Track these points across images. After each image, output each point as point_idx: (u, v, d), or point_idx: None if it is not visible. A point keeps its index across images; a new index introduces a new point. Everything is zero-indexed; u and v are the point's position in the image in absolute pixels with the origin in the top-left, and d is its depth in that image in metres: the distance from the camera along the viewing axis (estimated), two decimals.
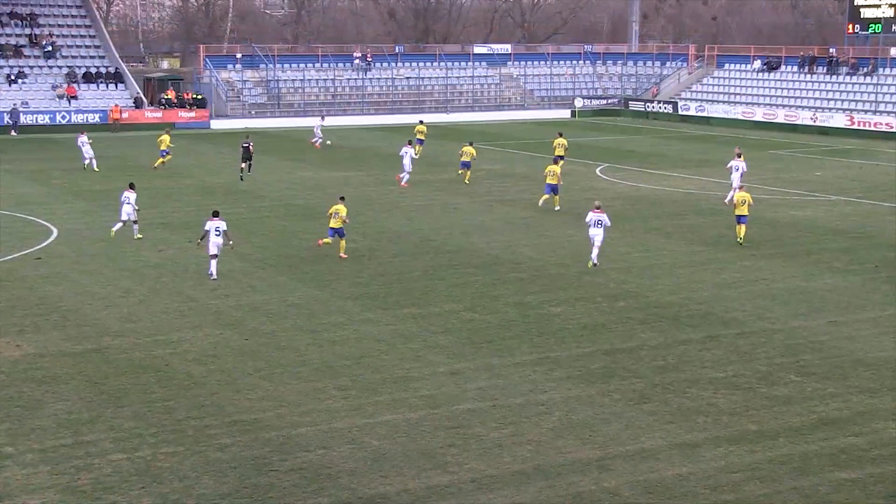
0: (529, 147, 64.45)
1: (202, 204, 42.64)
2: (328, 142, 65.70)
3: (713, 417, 19.38)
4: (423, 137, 59.20)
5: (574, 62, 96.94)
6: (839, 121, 74.08)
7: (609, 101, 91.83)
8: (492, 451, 17.81)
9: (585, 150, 62.00)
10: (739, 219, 34.70)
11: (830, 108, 77.25)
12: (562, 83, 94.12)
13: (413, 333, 24.58)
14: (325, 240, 32.51)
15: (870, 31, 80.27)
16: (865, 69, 79.33)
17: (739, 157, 43.77)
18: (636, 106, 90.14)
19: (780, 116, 78.18)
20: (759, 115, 79.83)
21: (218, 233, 29.90)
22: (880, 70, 78.09)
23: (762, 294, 28.40)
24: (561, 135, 52.63)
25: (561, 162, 45.59)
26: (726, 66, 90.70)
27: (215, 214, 30.26)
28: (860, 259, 32.85)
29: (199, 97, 79.99)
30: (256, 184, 47.99)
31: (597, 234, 31.44)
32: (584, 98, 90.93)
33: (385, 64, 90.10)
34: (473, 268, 31.39)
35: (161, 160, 52.66)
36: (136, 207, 35.12)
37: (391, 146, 63.72)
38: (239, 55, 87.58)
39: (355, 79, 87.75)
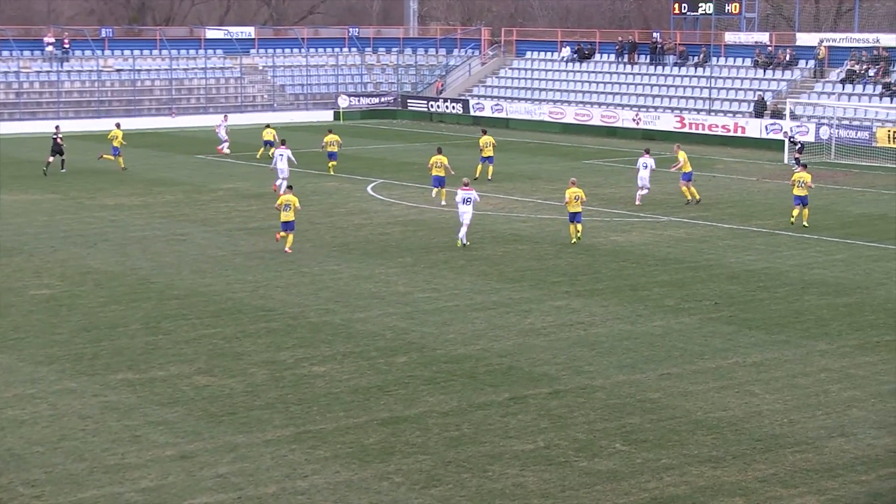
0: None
1: None
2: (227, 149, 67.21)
3: (521, 501, 19.60)
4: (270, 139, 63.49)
5: (336, 50, 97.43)
6: (667, 122, 76.97)
7: (382, 100, 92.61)
8: None
9: (353, 163, 62.28)
10: (574, 217, 40.47)
11: (656, 108, 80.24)
12: (321, 77, 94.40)
13: (130, 406, 24.01)
14: (281, 233, 38.82)
15: (700, 12, 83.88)
16: (696, 58, 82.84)
17: (647, 152, 50.70)
18: (417, 105, 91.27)
19: (596, 117, 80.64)
20: (569, 115, 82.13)
21: None
22: (713, 59, 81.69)
23: (578, 342, 29.04)
24: (485, 132, 58.08)
25: (490, 167, 56.18)
26: (528, 54, 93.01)
27: None
28: (696, 294, 34.07)
29: None
30: None
31: (466, 212, 39.62)
32: (349, 96, 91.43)
33: (88, 52, 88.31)
34: (210, 317, 30.99)
35: (112, 158, 59.55)
36: None
37: (96, 160, 62.29)
38: None
39: (48, 71, 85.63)
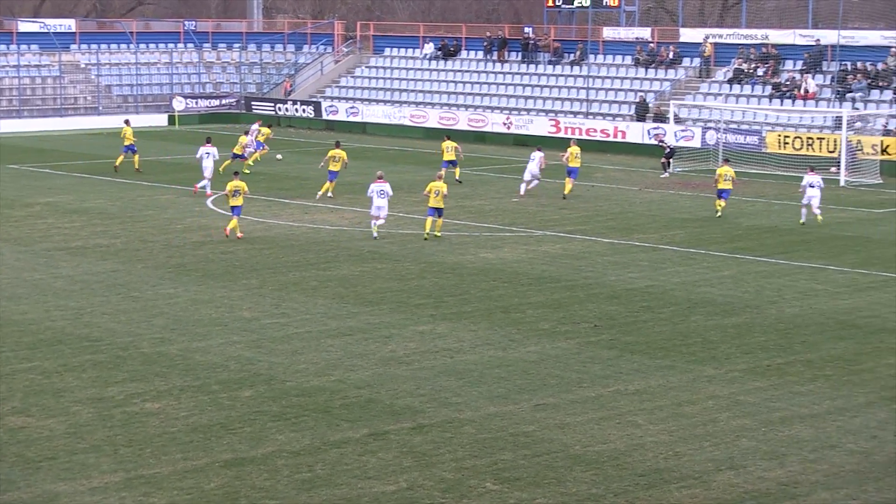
0: (106, 169, 63.62)
1: None
2: (278, 155, 67.61)
3: None
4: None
5: (170, 46, 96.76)
6: (541, 126, 77.64)
7: (223, 102, 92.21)
8: None
9: (190, 173, 61.85)
10: (437, 212, 44.22)
11: (529, 110, 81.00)
12: (153, 76, 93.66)
13: None
14: (231, 225, 44.05)
15: (575, 5, 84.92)
16: (572, 56, 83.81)
17: (539, 149, 56.17)
18: (262, 108, 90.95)
19: (463, 121, 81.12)
20: (433, 119, 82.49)
21: None
22: (591, 57, 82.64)
23: (445, 370, 29.18)
24: (448, 137, 62.05)
25: (456, 169, 59.46)
26: (387, 51, 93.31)
27: None
28: (574, 316, 34.43)
29: None
30: None
31: (381, 207, 43.77)
32: (186, 97, 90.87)
33: None
34: (26, 349, 30.58)
35: (123, 157, 62.75)
36: None
37: None
38: None
39: None
